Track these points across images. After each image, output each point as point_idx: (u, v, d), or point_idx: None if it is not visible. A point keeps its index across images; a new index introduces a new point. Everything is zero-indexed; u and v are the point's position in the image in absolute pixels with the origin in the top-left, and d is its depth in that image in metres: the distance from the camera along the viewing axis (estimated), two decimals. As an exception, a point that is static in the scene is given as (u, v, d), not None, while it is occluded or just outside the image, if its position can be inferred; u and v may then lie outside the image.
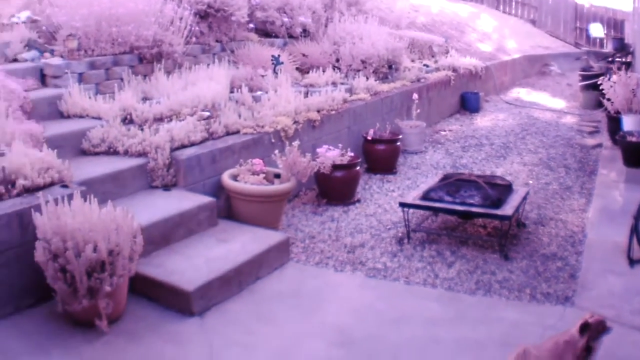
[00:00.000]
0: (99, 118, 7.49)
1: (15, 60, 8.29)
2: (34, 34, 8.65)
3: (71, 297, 4.93)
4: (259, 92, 8.86)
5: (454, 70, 13.63)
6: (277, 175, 7.27)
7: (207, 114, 7.83)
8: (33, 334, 5.01)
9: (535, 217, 7.75)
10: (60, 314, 5.09)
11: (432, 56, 14.35)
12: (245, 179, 7.13)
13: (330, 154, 8.11)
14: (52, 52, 8.44)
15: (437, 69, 13.29)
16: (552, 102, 15.67)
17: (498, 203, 6.77)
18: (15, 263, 5.27)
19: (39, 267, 5.09)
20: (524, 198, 7.27)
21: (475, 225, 7.30)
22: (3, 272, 5.21)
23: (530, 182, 9.22)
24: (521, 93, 16.89)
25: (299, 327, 5.20)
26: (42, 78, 8.18)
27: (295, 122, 8.41)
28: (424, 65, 13.12)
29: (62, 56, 8.30)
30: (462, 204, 6.79)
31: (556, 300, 5.68)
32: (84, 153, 7.10)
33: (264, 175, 7.25)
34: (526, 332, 5.02)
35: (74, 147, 7.04)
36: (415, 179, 9.32)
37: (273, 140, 8.04)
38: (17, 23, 8.74)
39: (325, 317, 5.34)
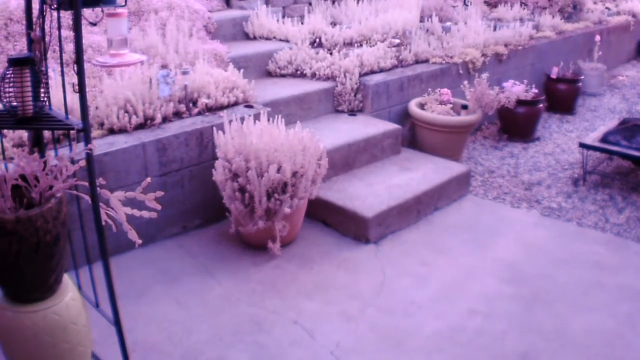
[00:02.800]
0: (286, 40, 6.92)
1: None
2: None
3: (247, 218, 4.46)
4: (448, 23, 7.99)
5: (633, 15, 12.07)
6: (464, 107, 6.50)
7: (397, 41, 7.04)
8: (198, 255, 4.62)
9: None
10: (229, 235, 4.75)
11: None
12: (432, 108, 6.47)
13: (516, 89, 7.24)
14: (237, -26, 7.86)
15: (618, 13, 11.83)
16: None
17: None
18: (189, 182, 4.83)
19: (213, 188, 4.72)
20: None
21: (645, 172, 6.48)
22: (176, 191, 4.75)
23: None
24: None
25: (472, 261, 4.71)
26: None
27: (483, 54, 7.53)
28: (606, 8, 11.71)
29: (248, -21, 7.72)
30: (638, 149, 6.09)
31: None
32: (269, 75, 6.55)
33: (451, 105, 6.52)
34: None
35: (259, 68, 6.49)
36: (593, 121, 8.36)
37: (461, 72, 7.20)
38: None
39: (497, 252, 4.83)
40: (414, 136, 6.58)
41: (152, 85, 4.85)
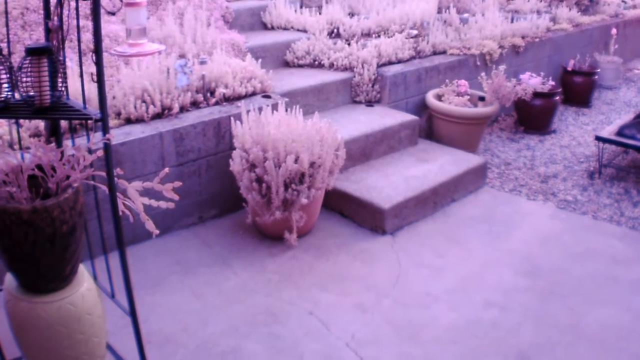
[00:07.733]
0: (304, 31, 6.82)
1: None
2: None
3: (264, 208, 4.39)
4: (465, 14, 7.89)
5: (650, 8, 11.83)
6: (482, 98, 6.40)
7: (415, 32, 6.94)
8: (214, 245, 4.56)
9: None
10: (245, 226, 4.70)
11: (631, -8, 12.57)
12: (449, 99, 6.37)
13: (533, 81, 7.14)
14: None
15: (634, 6, 11.63)
16: None
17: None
18: (206, 173, 4.75)
19: (229, 178, 4.68)
20: None
21: (660, 166, 6.39)
22: (194, 181, 4.68)
23: None
24: None
25: (488, 253, 4.64)
26: (243, -12, 7.61)
27: (501, 46, 7.41)
28: (623, 1, 11.49)
29: (263, -32, 7.58)
30: (653, 143, 5.99)
31: None
32: (287, 65, 6.45)
33: (468, 97, 6.43)
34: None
35: (277, 58, 6.39)
36: (609, 114, 8.23)
37: (478, 63, 7.08)
38: None
39: (513, 244, 4.76)
40: (431, 127, 6.50)
41: (170, 75, 4.78)
